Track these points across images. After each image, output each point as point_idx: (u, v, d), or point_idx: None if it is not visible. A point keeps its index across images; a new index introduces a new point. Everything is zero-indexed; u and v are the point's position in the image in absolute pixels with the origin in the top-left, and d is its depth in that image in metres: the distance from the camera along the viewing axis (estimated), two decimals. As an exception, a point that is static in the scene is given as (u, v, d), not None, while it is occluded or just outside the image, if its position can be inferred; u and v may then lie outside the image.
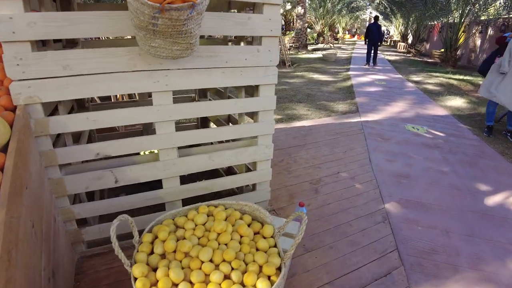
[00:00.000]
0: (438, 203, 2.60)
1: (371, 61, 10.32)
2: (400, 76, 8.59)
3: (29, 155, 1.42)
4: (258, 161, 2.11)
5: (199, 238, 1.34)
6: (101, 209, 1.81)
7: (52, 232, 1.55)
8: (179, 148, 1.86)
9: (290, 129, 4.04)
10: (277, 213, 2.32)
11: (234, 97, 2.44)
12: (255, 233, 1.45)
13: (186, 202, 2.00)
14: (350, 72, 8.69)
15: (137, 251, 1.29)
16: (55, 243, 1.56)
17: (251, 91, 2.14)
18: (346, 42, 22.51)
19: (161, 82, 1.63)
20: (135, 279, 1.15)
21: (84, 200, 1.99)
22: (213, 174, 2.70)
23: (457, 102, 6.07)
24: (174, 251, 1.28)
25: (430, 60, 13.29)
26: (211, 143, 2.29)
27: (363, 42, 11.44)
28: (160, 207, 1.98)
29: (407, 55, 15.37)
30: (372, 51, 10.23)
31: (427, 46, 16.90)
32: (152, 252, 1.30)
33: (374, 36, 9.83)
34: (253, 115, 2.09)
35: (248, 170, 2.36)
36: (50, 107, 1.70)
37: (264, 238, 1.43)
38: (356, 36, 29.63)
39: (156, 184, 1.90)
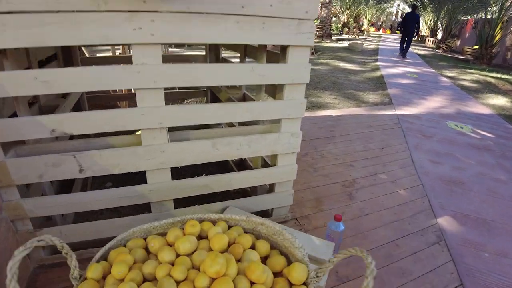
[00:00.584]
0: (502, 220, 1.99)
1: (402, 53, 9.51)
2: (433, 70, 7.79)
3: None
4: (280, 154, 1.55)
5: (178, 284, 0.79)
6: (62, 206, 1.30)
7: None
8: (170, 129, 1.32)
9: (315, 118, 3.45)
10: (300, 223, 1.76)
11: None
12: (275, 274, 0.90)
13: (180, 203, 1.48)
14: (378, 63, 7.94)
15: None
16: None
17: (275, 58, 1.57)
18: (371, 35, 21.41)
19: (144, 29, 1.09)
20: None
21: (48, 192, 1.48)
22: (220, 165, 2.17)
23: (500, 101, 5.32)
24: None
25: (461, 57, 12.28)
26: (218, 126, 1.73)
27: (392, 35, 10.66)
28: (145, 207, 1.46)
29: (437, 50, 14.34)
30: (405, 43, 9.40)
31: (458, 42, 15.74)
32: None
33: (409, 26, 8.97)
34: (276, 90, 1.52)
35: (266, 164, 1.80)
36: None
37: (291, 285, 0.88)
38: (381, 30, 28.27)
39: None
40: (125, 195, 1.34)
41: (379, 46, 12.36)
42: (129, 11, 1.06)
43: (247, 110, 1.38)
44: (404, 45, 9.49)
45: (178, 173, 1.38)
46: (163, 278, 0.76)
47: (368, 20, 25.17)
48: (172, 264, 0.82)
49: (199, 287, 0.75)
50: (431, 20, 18.62)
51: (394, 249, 1.65)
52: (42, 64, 1.76)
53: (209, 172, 1.81)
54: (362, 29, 22.66)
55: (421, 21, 20.79)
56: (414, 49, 13.43)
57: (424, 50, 13.46)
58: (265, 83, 1.37)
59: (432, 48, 15.44)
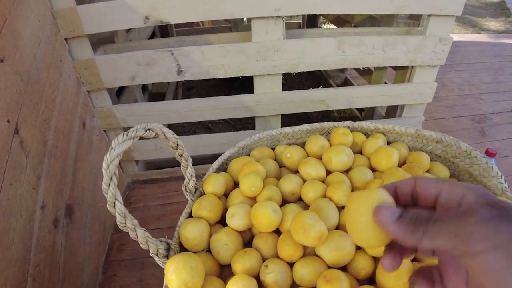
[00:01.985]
0: None
1: None
2: None
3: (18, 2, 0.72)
4: (419, 66, 1.14)
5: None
6: (156, 115, 1.10)
7: (74, 144, 0.90)
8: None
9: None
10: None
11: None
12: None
13: (285, 124, 1.20)
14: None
15: (188, 216, 0.54)
16: (80, 161, 0.92)
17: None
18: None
19: None
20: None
21: (140, 101, 1.31)
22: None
23: None
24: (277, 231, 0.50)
25: None
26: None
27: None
28: (248, 124, 1.21)
29: None
30: None
31: None
32: (222, 221, 0.54)
33: None
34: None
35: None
36: None
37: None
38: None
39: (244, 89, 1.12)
40: (227, 105, 1.10)
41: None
42: None
43: (391, -5, 0.97)
44: None
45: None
46: (320, 200, 0.49)
47: None
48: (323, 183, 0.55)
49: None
50: None
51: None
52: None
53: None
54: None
55: None
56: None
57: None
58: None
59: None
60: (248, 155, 0.67)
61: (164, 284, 0.45)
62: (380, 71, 1.46)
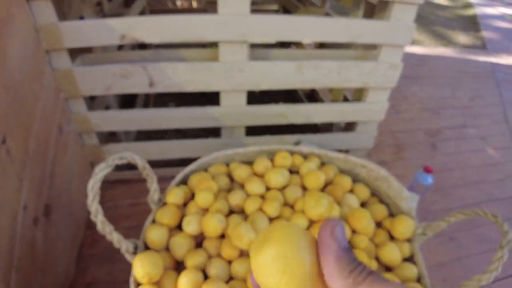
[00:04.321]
0: None
1: None
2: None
3: (7, 24, 0.83)
4: (371, 88, 1.32)
5: (270, 220, 0.67)
6: (130, 122, 1.23)
7: (52, 149, 1.01)
8: (251, 45, 1.14)
9: (394, 56, 3.03)
10: (377, 169, 1.57)
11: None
12: (377, 224, 0.76)
13: (250, 131, 1.35)
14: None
15: (152, 222, 0.68)
16: (57, 164, 1.03)
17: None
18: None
19: None
20: (138, 284, 0.56)
21: (114, 107, 1.42)
22: (288, 96, 1.97)
23: None
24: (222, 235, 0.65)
25: None
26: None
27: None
28: (214, 132, 1.36)
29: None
30: None
31: None
32: (179, 226, 0.69)
33: None
34: (374, 9, 1.24)
35: (345, 99, 1.59)
36: None
37: (392, 239, 0.73)
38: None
39: (214, 97, 1.26)
40: (195, 115, 1.23)
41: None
42: None
43: (347, 27, 1.13)
44: None
45: (248, 102, 1.23)
46: (255, 213, 0.64)
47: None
48: (262, 199, 0.70)
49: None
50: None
51: (479, 213, 1.44)
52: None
53: (282, 100, 1.64)
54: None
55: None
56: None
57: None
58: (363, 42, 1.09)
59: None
60: (206, 170, 0.81)
61: (131, 275, 0.59)
62: (340, 89, 1.63)
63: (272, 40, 1.10)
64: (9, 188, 0.75)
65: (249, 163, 0.82)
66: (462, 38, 3.96)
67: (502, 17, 5.56)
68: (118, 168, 1.44)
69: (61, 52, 1.03)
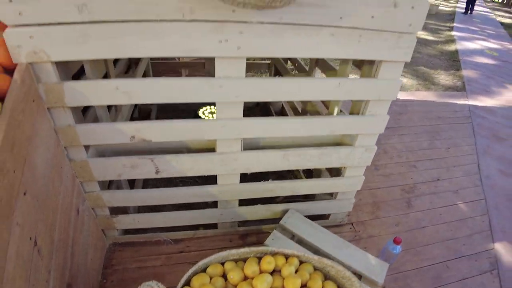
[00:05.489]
0: None
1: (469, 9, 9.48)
2: (517, 46, 6.66)
3: (33, 138, 0.93)
4: (349, 167, 1.43)
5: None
6: (138, 200, 1.34)
7: (71, 231, 1.11)
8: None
9: (377, 101, 3.15)
10: (355, 229, 1.69)
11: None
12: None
13: (244, 202, 1.46)
14: (454, 33, 6.92)
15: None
16: (76, 243, 1.13)
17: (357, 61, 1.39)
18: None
19: (230, 42, 0.97)
20: None
21: (122, 186, 1.52)
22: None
23: None
24: None
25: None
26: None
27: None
28: (211, 204, 1.46)
29: (524, 17, 12.14)
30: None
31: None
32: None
33: None
34: (357, 102, 1.35)
35: (329, 169, 1.70)
36: (76, 64, 1.17)
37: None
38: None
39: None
40: (196, 193, 1.34)
41: (457, 9, 10.74)
42: (216, 21, 0.94)
43: (327, 124, 1.24)
44: (470, 3, 9.40)
45: (245, 174, 1.34)
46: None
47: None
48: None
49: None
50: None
51: (444, 271, 1.55)
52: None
53: (272, 178, 1.75)
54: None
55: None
56: (497, 15, 11.54)
57: (509, 17, 11.48)
58: (351, 99, 1.21)
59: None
60: (205, 271, 0.92)
61: None
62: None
63: (263, 136, 1.21)
64: (40, 281, 0.85)
65: (241, 262, 0.93)
66: (443, 77, 4.10)
67: (482, 52, 5.72)
68: (127, 232, 1.55)
69: (77, 147, 1.14)
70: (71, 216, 1.14)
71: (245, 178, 1.38)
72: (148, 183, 1.79)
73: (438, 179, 2.18)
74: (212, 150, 1.25)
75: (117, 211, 1.40)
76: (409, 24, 1.06)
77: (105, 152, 1.26)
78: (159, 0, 0.87)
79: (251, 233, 1.57)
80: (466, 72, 4.38)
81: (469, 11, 9.60)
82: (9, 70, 0.94)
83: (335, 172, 1.54)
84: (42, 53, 0.92)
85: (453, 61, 4.83)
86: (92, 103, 1.04)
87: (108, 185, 1.44)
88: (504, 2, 17.09)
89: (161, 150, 1.25)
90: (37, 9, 0.84)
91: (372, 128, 1.31)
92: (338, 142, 1.42)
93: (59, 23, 0.88)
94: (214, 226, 1.53)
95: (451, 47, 5.63)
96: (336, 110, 1.55)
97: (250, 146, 1.30)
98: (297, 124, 1.22)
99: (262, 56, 1.04)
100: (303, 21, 0.98)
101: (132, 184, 1.69)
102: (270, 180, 1.40)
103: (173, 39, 0.94)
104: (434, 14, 9.00)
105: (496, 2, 17.49)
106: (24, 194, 0.87)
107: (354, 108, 1.33)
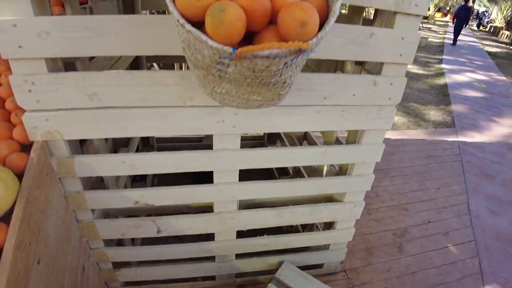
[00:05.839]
0: None
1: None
2: (504, 78, 6.84)
3: (47, 210, 1.01)
4: (339, 221, 1.50)
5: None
6: (139, 256, 1.40)
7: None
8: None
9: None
10: (348, 277, 1.73)
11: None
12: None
13: (241, 254, 1.52)
14: (443, 65, 7.17)
15: None
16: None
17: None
18: (437, 23, 19.27)
19: (227, 122, 1.08)
20: None
21: (125, 242, 1.58)
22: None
23: None
24: None
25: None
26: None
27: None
28: (209, 257, 1.52)
29: (511, 47, 12.56)
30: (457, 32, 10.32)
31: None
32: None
33: (462, 17, 10.02)
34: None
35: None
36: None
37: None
38: (448, 16, 25.21)
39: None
40: (194, 250, 1.41)
41: (445, 41, 11.14)
42: (213, 106, 1.04)
43: (315, 185, 1.33)
44: (454, 34, 10.37)
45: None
46: None
47: (435, 5, 22.66)
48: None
49: None
50: (508, 8, 16.18)
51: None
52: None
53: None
54: (427, 14, 20.45)
55: (495, 10, 18.13)
56: (484, 45, 11.94)
57: (496, 47, 11.88)
58: (336, 163, 1.30)
59: (506, 43, 13.53)
60: None
61: None
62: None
63: (257, 197, 1.29)
64: None
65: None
66: (434, 113, 4.23)
67: (470, 85, 5.91)
68: (128, 284, 1.59)
69: (85, 210, 1.22)
70: (78, 274, 1.20)
71: (242, 232, 1.45)
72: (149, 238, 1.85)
73: (429, 221, 2.23)
74: (210, 207, 1.33)
75: (119, 264, 1.46)
76: (388, 98, 1.17)
77: (110, 212, 1.34)
78: (162, 90, 0.98)
79: (248, 284, 1.62)
80: (455, 107, 4.52)
81: (454, 42, 10.57)
82: (25, 146, 1.04)
83: (327, 224, 1.61)
84: (56, 133, 1.02)
85: (443, 95, 4.99)
86: (100, 174, 1.13)
87: (111, 239, 1.50)
88: (491, 30, 17.69)
89: (162, 209, 1.33)
90: (53, 97, 0.95)
91: (359, 187, 1.39)
92: (329, 197, 1.50)
93: (72, 109, 0.98)
94: (212, 277, 1.58)
95: (441, 81, 5.82)
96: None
97: (246, 203, 1.38)
98: (289, 186, 1.30)
99: (256, 132, 1.14)
100: (291, 103, 1.09)
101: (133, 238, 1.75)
102: (265, 236, 1.47)
103: (175, 121, 1.04)
104: (424, 46, 9.32)
105: (483, 31, 18.10)
106: (38, 263, 0.94)
107: (342, 168, 1.42)
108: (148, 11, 2.41)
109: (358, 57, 1.07)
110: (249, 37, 0.62)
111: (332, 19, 0.59)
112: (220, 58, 0.57)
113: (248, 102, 0.80)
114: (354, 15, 1.37)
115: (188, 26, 0.51)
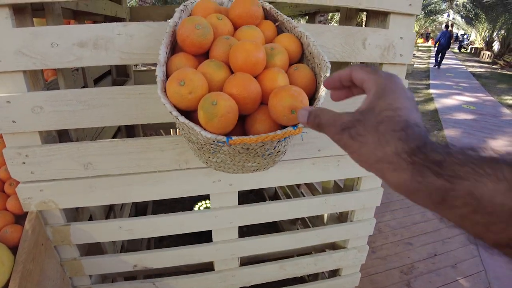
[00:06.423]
0: None
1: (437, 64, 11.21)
2: (492, 98, 6.99)
3: (42, 281, 0.96)
4: (344, 267, 1.45)
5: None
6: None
7: None
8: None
9: (367, 170, 3.24)
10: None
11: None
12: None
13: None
14: (431, 90, 7.33)
15: None
16: None
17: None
18: (420, 48, 20.01)
19: (223, 181, 1.06)
20: None
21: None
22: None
23: None
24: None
25: (523, 75, 11.00)
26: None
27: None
28: None
29: (493, 66, 12.95)
30: (440, 55, 11.08)
31: (519, 57, 14.13)
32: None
33: (443, 42, 10.65)
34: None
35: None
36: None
37: None
38: (430, 41, 26.25)
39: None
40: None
41: (430, 65, 11.50)
42: (208, 168, 1.03)
43: (317, 235, 1.29)
44: (439, 58, 11.08)
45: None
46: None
47: (417, 32, 23.67)
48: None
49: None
50: (485, 30, 16.87)
51: None
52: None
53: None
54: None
55: (474, 33, 18.93)
56: (467, 66, 12.32)
57: (479, 67, 12.25)
58: (336, 211, 1.28)
59: (488, 63, 13.99)
60: None
61: None
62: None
63: (255, 253, 1.24)
64: None
65: None
66: (427, 140, 4.25)
67: (459, 108, 6.00)
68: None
69: (82, 276, 1.16)
70: None
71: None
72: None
73: (435, 254, 2.17)
74: (211, 265, 1.28)
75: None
76: (381, 146, 1.17)
77: (108, 275, 1.28)
78: (157, 156, 0.97)
79: None
80: (448, 132, 4.57)
81: (439, 65, 11.24)
82: (19, 216, 1.01)
83: (332, 271, 1.55)
84: (51, 202, 0.99)
85: (434, 120, 5.05)
86: (97, 240, 1.09)
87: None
88: (472, 52, 18.33)
89: (162, 269, 1.27)
90: (47, 168, 0.93)
91: (361, 232, 1.36)
92: (331, 244, 1.45)
93: (67, 178, 0.96)
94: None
95: (430, 106, 5.92)
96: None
97: (248, 257, 1.33)
98: (290, 238, 1.26)
99: (253, 188, 1.12)
100: (287, 158, 1.08)
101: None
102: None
103: (171, 184, 1.02)
104: (410, 73, 9.59)
105: (465, 53, 18.75)
106: None
107: (342, 213, 1.39)
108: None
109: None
110: (242, 117, 0.62)
111: (319, 102, 0.61)
112: (214, 142, 0.56)
113: (243, 168, 0.79)
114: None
115: (182, 119, 0.51)
